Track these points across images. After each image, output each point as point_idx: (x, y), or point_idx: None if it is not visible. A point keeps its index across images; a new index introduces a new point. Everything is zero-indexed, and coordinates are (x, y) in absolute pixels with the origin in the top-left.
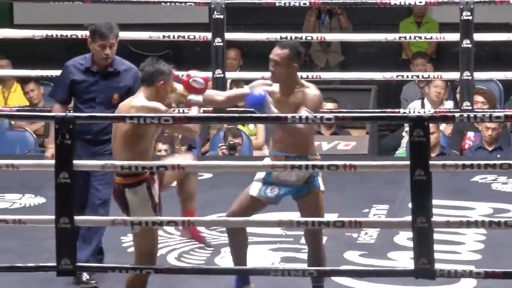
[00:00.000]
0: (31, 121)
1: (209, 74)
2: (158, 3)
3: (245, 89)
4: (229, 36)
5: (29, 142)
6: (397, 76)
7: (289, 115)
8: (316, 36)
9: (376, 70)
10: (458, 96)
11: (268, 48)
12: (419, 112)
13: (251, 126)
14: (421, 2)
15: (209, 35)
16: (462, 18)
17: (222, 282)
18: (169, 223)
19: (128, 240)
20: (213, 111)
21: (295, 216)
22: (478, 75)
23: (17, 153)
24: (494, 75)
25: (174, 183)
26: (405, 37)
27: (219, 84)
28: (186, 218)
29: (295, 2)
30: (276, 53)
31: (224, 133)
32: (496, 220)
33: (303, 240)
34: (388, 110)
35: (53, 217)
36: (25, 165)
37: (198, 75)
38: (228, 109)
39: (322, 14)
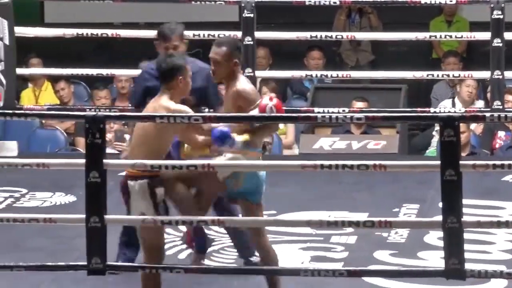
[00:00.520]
0: (62, 120)
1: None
2: (189, 1)
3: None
4: (259, 34)
5: (59, 140)
6: (427, 75)
7: (319, 114)
8: (346, 35)
9: (406, 69)
10: (488, 95)
11: (298, 47)
12: (449, 112)
13: (281, 125)
14: (451, 1)
15: (239, 34)
16: (492, 17)
17: (253, 282)
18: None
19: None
20: None
21: (324, 215)
22: (509, 74)
23: (47, 151)
24: None
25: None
26: (435, 36)
27: None
28: (212, 218)
29: (325, 1)
30: (215, 51)
31: None
32: None
33: (333, 239)
34: (419, 109)
35: (83, 216)
36: (56, 164)
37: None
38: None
39: (353, 13)
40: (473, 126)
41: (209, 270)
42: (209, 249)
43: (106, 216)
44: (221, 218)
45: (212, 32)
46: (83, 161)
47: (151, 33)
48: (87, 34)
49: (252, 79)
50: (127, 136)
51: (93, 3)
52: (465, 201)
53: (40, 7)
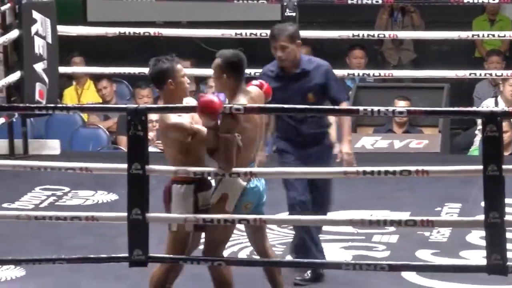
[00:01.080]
0: (105, 113)
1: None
2: (231, 0)
3: None
4: (301, 33)
5: (102, 139)
6: (470, 74)
7: (361, 108)
8: (388, 33)
9: (448, 68)
10: None
11: (340, 46)
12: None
13: None
14: (494, 0)
15: None
16: None
17: None
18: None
19: None
20: None
21: (366, 214)
22: None
23: (90, 150)
24: None
25: None
26: (478, 35)
27: None
28: (257, 216)
29: (368, 0)
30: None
31: None
32: None
33: (375, 238)
34: (461, 108)
35: (125, 214)
36: (98, 168)
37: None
38: None
39: (395, 12)
40: None
41: (251, 263)
42: (229, 250)
43: (148, 214)
44: (263, 216)
45: (254, 31)
46: (125, 166)
47: (193, 32)
48: (129, 33)
49: None
50: None
51: (136, 2)
52: (507, 200)
53: (83, 6)
